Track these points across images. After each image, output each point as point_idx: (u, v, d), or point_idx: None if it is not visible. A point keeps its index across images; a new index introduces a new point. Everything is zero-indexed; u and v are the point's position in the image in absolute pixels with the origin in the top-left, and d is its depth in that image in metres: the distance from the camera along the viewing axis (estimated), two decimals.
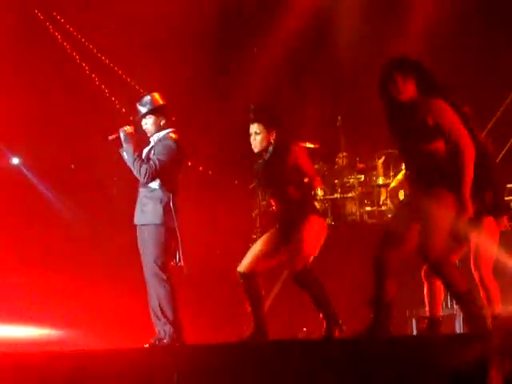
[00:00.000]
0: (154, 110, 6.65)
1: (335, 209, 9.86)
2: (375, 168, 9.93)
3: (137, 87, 10.36)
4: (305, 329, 8.22)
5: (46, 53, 9.79)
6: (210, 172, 11.38)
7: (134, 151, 6.57)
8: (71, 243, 9.80)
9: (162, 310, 6.41)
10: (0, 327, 7.92)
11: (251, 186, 10.55)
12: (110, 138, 6.66)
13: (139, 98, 6.79)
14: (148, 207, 6.54)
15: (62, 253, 9.53)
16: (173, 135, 6.70)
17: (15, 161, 10.49)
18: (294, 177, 6.15)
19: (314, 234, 6.09)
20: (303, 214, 6.05)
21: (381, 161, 9.89)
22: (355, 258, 8.55)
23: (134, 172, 6.59)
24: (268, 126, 6.24)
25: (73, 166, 10.55)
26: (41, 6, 10.31)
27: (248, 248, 10.01)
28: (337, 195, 9.86)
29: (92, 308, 8.74)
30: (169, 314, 6.38)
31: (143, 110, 6.67)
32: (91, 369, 4.76)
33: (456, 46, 9.79)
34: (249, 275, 6.13)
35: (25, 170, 10.34)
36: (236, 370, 4.46)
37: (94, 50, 10.34)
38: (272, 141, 6.22)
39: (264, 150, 6.27)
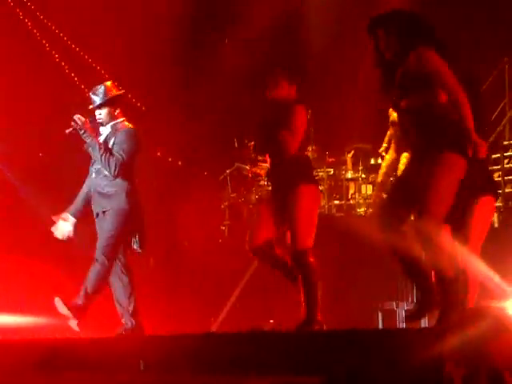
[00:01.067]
0: (109, 101, 6.61)
1: None
2: (344, 162, 9.98)
3: (103, 72, 10.30)
4: (271, 320, 8.24)
5: (15, 42, 9.70)
6: (180, 162, 11.37)
7: (98, 144, 6.56)
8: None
9: (123, 299, 6.51)
10: None
11: (221, 178, 10.63)
12: (67, 131, 6.61)
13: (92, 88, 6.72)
14: (110, 194, 6.57)
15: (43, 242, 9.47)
16: (129, 124, 6.71)
17: None
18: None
19: (309, 207, 5.85)
20: (295, 184, 5.84)
21: (350, 155, 9.95)
22: (322, 251, 8.58)
23: (101, 166, 6.58)
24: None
25: (40, 154, 10.46)
26: None
27: (215, 241, 10.17)
28: None
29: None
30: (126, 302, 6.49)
31: (97, 100, 6.62)
32: (60, 357, 4.77)
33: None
34: (257, 249, 5.99)
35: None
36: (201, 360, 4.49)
37: (65, 38, 10.27)
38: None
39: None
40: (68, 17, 10.01)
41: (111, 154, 6.54)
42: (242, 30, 10.53)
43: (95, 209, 6.68)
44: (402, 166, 8.76)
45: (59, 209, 6.92)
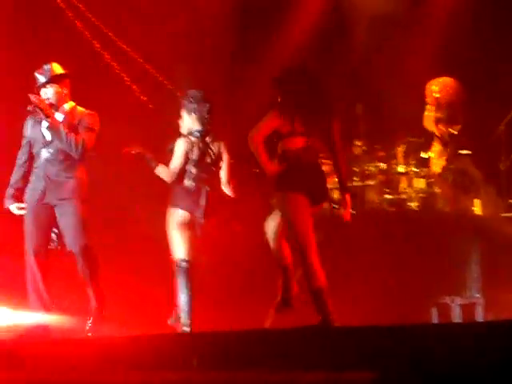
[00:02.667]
0: (55, 79, 6.47)
1: (354, 197, 9.82)
2: (395, 156, 9.88)
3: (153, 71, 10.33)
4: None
5: (66, 42, 9.77)
6: (232, 160, 11.34)
7: (57, 123, 6.41)
8: None
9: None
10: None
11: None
12: (29, 108, 6.46)
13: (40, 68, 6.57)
14: (69, 182, 6.48)
15: None
16: (83, 109, 6.62)
17: None
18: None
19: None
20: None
21: (401, 149, 9.84)
22: (375, 246, 8.53)
23: (63, 145, 6.43)
24: None
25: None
26: None
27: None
28: (356, 183, 9.82)
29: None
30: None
31: (42, 78, 6.48)
32: (111, 355, 4.79)
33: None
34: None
35: None
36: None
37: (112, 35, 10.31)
38: None
39: None
40: (115, 15, 10.03)
41: (76, 134, 6.45)
42: (291, 26, 10.49)
43: (49, 197, 6.49)
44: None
45: None
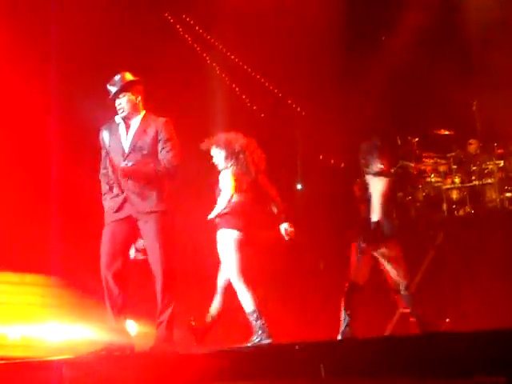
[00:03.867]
0: (126, 86, 6.16)
1: (474, 196, 9.63)
2: None
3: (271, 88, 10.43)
4: (448, 319, 8.05)
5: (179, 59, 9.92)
6: (342, 164, 11.32)
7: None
8: None
9: None
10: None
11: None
12: None
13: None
14: (153, 193, 6.10)
15: None
16: (156, 116, 6.29)
17: None
18: None
19: None
20: None
21: None
22: (497, 245, 8.34)
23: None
24: None
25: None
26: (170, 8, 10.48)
27: None
28: (475, 182, 9.62)
29: None
30: None
31: (113, 89, 6.17)
32: (239, 366, 4.82)
33: None
34: None
35: None
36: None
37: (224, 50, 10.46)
38: None
39: None
40: (229, 28, 10.16)
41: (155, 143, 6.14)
42: (399, 28, 10.40)
43: (137, 208, 6.11)
44: None
45: None
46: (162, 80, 9.34)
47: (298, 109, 11.08)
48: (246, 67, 10.67)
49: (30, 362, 5.82)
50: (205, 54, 10.41)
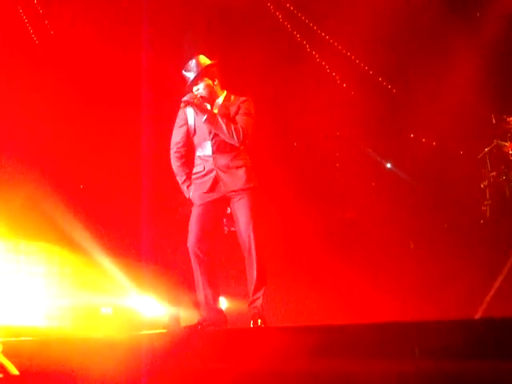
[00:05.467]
0: (202, 72, 6.13)
1: None
2: None
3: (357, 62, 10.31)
4: None
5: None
6: (434, 143, 11.13)
7: (215, 116, 6.09)
8: None
9: None
10: None
11: (480, 156, 10.27)
12: (183, 106, 6.18)
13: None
14: (240, 171, 6.10)
15: None
16: (236, 96, 6.27)
17: None
18: None
19: None
20: None
21: None
22: None
23: (224, 137, 6.10)
24: None
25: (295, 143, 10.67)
26: None
27: (477, 222, 9.86)
28: None
29: None
30: None
31: (191, 75, 6.14)
32: (333, 343, 4.78)
33: None
34: None
35: None
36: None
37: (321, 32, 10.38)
38: None
39: None
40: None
41: (234, 122, 6.15)
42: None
43: (225, 187, 6.15)
44: None
45: None
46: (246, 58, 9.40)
47: (389, 86, 10.91)
48: (336, 44, 10.57)
49: (122, 337, 5.91)
50: (295, 32, 10.34)
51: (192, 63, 6.16)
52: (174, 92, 6.48)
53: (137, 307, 8.59)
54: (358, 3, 9.98)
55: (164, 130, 6.49)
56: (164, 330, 5.37)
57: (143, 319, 8.30)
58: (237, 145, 6.12)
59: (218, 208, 6.17)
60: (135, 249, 8.79)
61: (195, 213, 6.18)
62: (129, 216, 9.08)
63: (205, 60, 6.21)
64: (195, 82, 6.17)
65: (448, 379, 4.25)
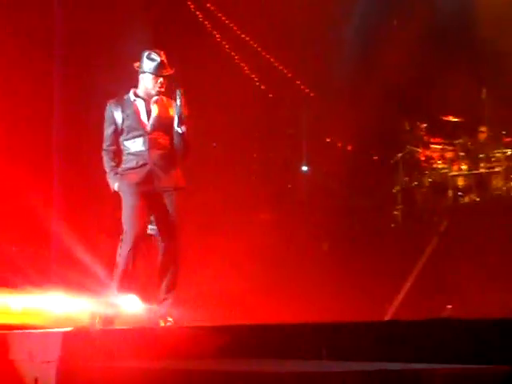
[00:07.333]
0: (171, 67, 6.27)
1: (480, 184, 9.60)
2: None
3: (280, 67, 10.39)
4: (450, 306, 8.04)
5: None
6: (350, 147, 11.31)
7: None
8: None
9: None
10: None
11: (393, 161, 10.47)
12: None
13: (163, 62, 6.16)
14: (176, 170, 6.22)
15: None
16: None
17: None
18: None
19: None
20: None
21: None
22: (502, 233, 8.32)
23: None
24: None
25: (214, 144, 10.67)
26: None
27: (388, 226, 10.05)
28: (482, 170, 9.59)
29: None
30: None
31: (168, 71, 6.18)
32: (236, 342, 4.80)
33: None
34: None
35: None
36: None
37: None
38: None
39: None
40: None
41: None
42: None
43: (161, 183, 6.20)
44: None
45: None
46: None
47: (307, 90, 11.04)
48: (255, 45, 10.62)
49: (29, 332, 5.82)
50: (215, 32, 10.35)
51: (163, 57, 6.17)
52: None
53: (46, 303, 8.47)
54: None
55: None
56: (71, 328, 5.32)
57: (51, 315, 8.19)
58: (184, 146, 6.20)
59: (149, 201, 6.18)
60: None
61: (132, 203, 6.19)
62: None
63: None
64: (165, 77, 6.19)
65: (356, 380, 4.31)
